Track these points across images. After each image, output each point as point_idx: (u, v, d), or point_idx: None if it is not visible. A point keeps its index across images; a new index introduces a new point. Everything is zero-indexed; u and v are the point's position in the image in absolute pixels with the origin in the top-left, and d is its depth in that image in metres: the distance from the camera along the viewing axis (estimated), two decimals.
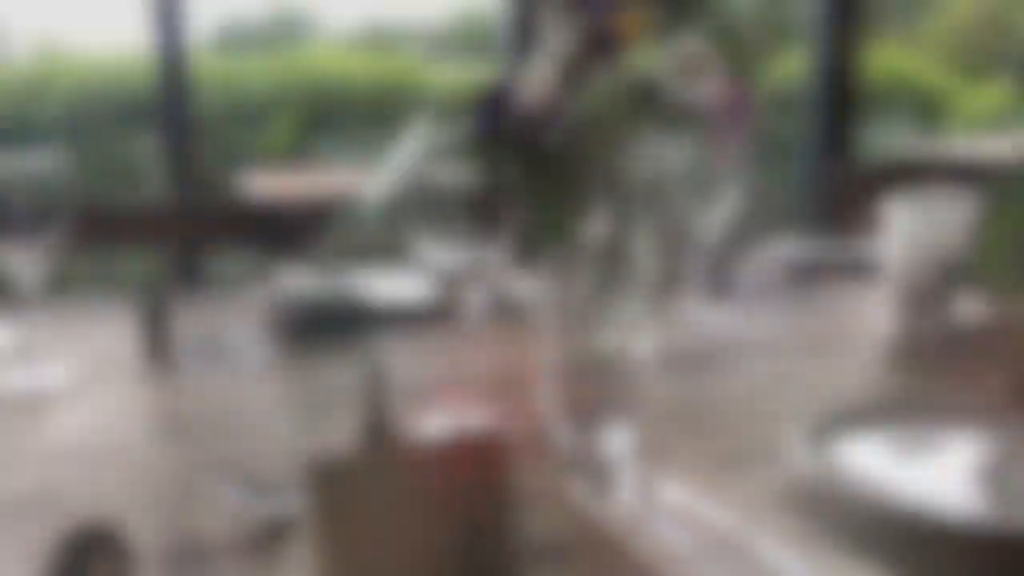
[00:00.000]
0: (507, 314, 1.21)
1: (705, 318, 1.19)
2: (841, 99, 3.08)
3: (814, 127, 3.10)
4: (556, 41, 0.92)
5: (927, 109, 7.27)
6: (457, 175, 0.80)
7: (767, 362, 1.01)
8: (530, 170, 0.87)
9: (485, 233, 0.76)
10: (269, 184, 4.80)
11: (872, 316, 1.19)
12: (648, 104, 0.95)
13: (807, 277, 1.43)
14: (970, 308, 1.20)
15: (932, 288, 1.07)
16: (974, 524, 0.58)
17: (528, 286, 1.30)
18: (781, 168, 5.92)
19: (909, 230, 1.07)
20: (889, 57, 7.24)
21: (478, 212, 0.82)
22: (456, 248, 0.75)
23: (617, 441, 0.76)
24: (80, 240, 1.58)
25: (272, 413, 0.87)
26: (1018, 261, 1.15)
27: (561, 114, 0.90)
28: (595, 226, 1.04)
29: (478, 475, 0.50)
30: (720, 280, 1.33)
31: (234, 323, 1.15)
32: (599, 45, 0.97)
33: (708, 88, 0.89)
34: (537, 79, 0.90)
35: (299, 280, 1.20)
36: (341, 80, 5.26)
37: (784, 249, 1.59)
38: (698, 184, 1.17)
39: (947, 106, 7.40)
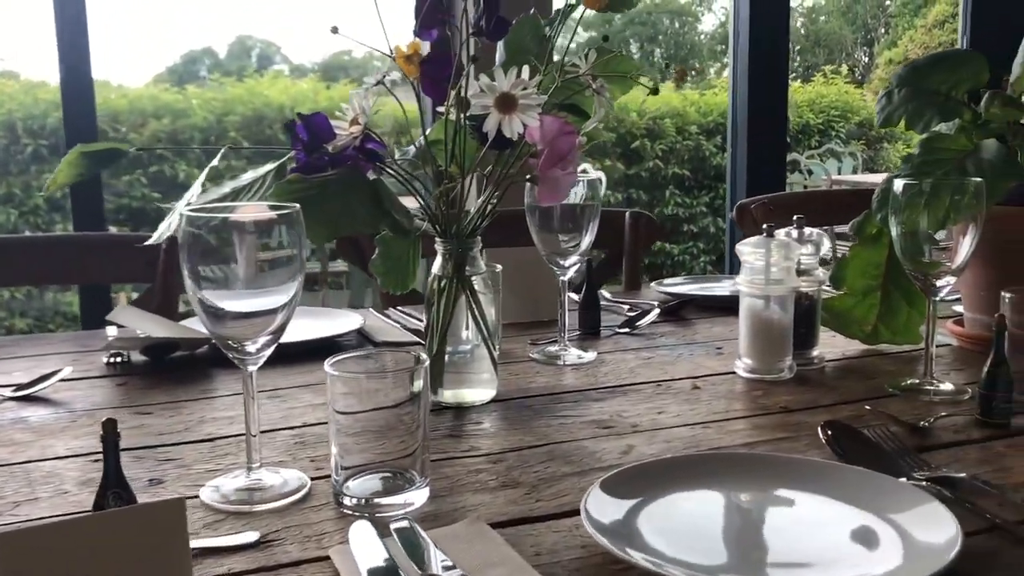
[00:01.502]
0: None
1: (570, 357, 1.16)
2: (769, 131, 3.09)
3: (742, 158, 3.11)
4: (376, 74, 0.90)
5: (874, 141, 7.39)
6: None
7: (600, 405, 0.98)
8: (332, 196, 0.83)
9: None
10: None
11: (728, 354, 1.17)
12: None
13: (682, 313, 1.41)
14: (825, 346, 1.19)
15: (779, 327, 1.05)
16: None
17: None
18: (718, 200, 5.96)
19: (754, 268, 1.05)
20: (838, 90, 7.38)
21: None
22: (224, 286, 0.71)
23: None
24: None
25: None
26: (870, 301, 1.14)
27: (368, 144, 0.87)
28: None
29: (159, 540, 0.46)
30: (589, 318, 1.31)
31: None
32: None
33: (531, 123, 0.87)
34: (352, 109, 0.88)
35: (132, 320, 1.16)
36: (280, 109, 5.23)
37: (663, 286, 1.57)
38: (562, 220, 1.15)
39: (893, 138, 7.52)
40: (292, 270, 0.73)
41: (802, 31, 14.20)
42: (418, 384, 0.73)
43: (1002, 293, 0.98)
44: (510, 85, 0.85)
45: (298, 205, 0.73)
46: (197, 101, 5.44)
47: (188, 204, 0.80)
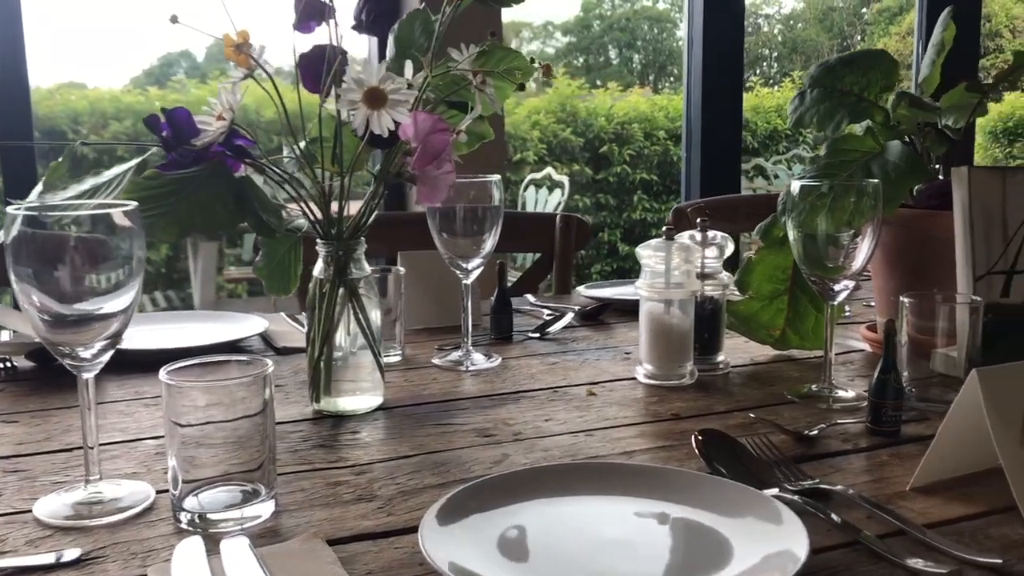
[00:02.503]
0: None
1: (472, 363, 1.13)
2: (724, 136, 3.07)
3: (696, 163, 3.09)
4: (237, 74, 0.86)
5: None
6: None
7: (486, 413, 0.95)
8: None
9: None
10: None
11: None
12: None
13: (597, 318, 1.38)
14: (735, 351, 1.16)
15: (679, 332, 1.02)
16: None
17: None
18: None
19: (655, 271, 1.02)
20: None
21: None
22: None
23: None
24: None
25: None
26: (778, 305, 1.11)
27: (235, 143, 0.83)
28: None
29: None
30: (501, 323, 1.28)
31: None
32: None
33: (401, 119, 0.84)
34: (219, 104, 0.84)
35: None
36: (244, 111, 5.18)
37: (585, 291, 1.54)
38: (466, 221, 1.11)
39: None
40: (130, 272, 0.69)
41: (779, 38, 14.27)
42: (264, 394, 0.70)
43: (900, 298, 0.95)
44: (379, 80, 0.82)
45: (136, 203, 0.69)
46: (160, 103, 5.39)
47: (26, 203, 0.76)
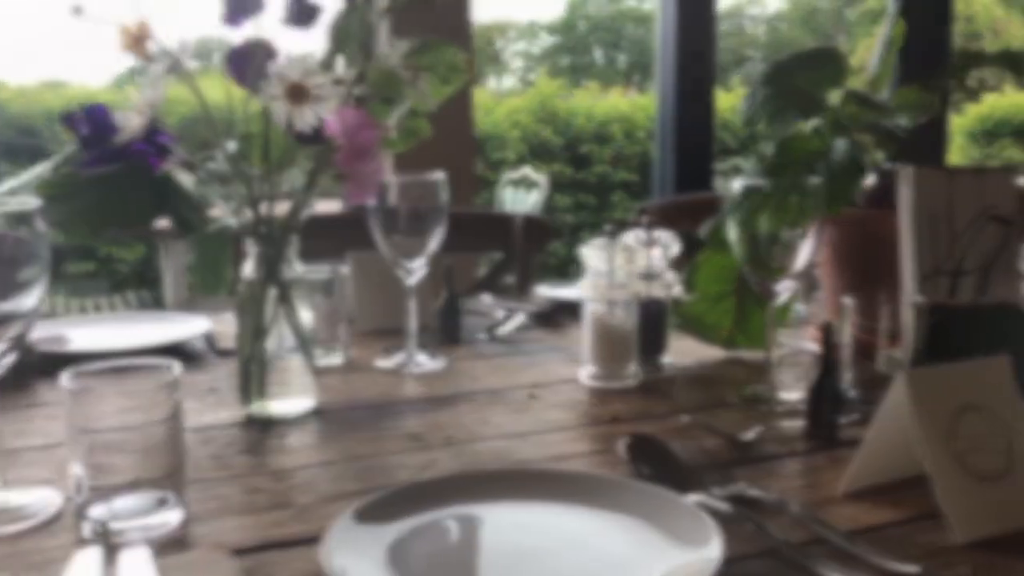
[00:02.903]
0: None
1: (416, 365, 1.11)
2: (696, 136, 3.06)
3: (670, 162, 3.08)
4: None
5: None
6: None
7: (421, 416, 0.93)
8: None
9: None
10: None
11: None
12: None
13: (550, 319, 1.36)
14: (686, 353, 1.14)
15: (622, 333, 1.00)
16: None
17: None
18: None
19: (597, 271, 1.00)
20: None
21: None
22: None
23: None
24: None
25: None
26: (724, 306, 1.09)
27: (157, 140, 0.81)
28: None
29: None
30: (449, 324, 1.25)
31: None
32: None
33: (327, 116, 0.82)
34: (140, 104, 0.82)
35: None
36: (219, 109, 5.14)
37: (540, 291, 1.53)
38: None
39: None
40: (30, 273, 0.67)
41: (763, 39, 14.29)
42: (172, 399, 0.67)
43: (842, 299, 0.94)
44: (301, 75, 0.79)
45: (38, 202, 0.67)
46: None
47: None
